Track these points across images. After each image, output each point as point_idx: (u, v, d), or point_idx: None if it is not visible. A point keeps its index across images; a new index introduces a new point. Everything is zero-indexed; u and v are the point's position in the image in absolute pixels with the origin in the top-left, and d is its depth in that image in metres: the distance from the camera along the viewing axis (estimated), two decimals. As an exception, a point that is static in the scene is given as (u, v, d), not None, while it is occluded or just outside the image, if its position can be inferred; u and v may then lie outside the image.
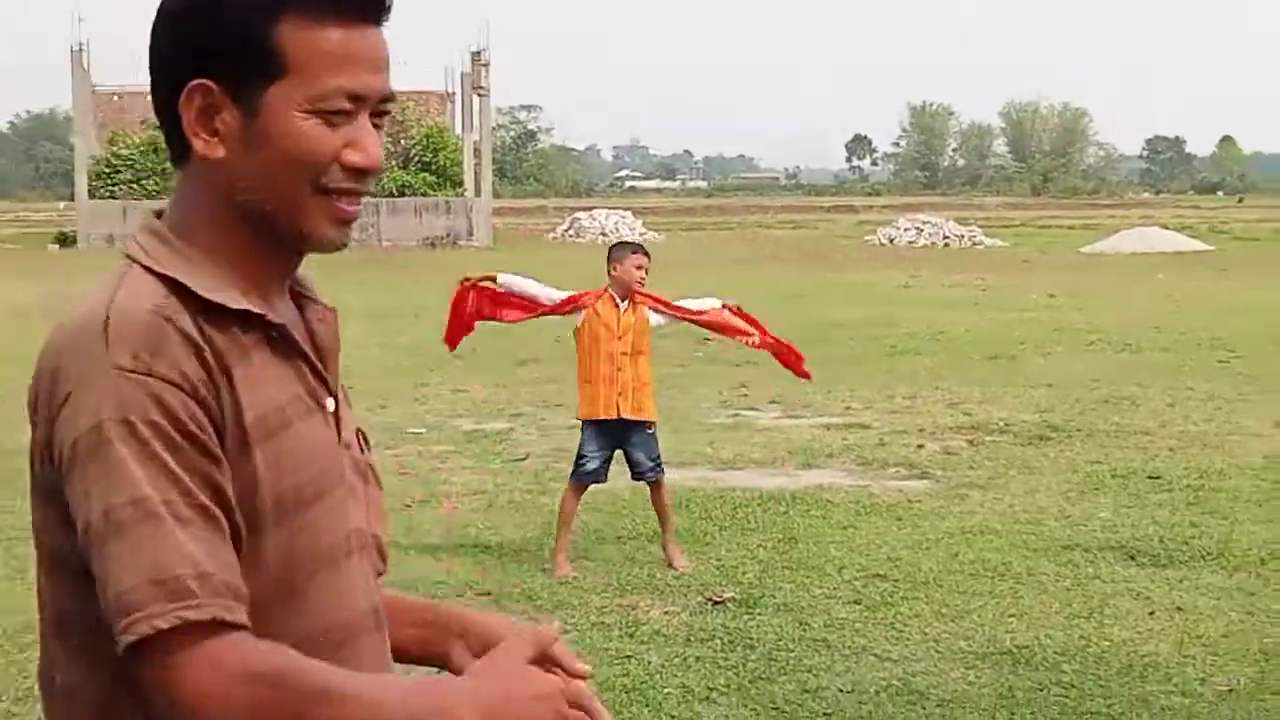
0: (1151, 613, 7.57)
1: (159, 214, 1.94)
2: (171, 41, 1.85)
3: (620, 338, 8.43)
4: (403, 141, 54.35)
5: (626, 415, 8.45)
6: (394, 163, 53.71)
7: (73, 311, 1.82)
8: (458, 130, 56.62)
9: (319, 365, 1.94)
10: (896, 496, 10.38)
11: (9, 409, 14.01)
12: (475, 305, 8.89)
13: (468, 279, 9.03)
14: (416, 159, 53.83)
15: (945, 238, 53.08)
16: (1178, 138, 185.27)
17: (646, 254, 8.63)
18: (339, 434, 1.96)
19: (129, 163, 51.53)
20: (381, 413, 14.15)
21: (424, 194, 52.82)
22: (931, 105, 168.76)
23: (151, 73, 1.88)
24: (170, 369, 1.73)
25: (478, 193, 54.06)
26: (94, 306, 1.78)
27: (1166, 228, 53.43)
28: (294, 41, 1.81)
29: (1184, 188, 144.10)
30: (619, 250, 8.65)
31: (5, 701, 6.32)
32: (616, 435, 8.53)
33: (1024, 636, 7.17)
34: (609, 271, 8.54)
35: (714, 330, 9.20)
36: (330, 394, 1.95)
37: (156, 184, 51.13)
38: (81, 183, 51.21)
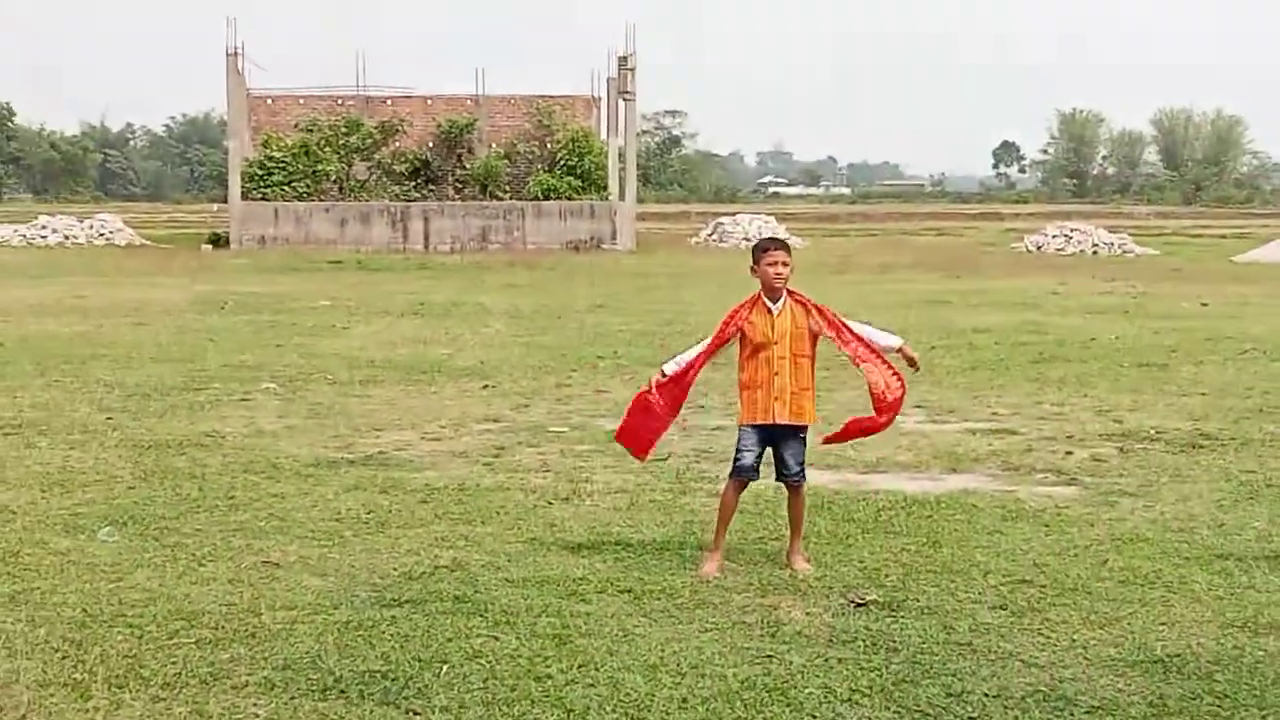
0: (1309, 624, 7.37)
1: None
2: None
3: (777, 343, 8.34)
4: (549, 145, 54.81)
5: (780, 420, 8.39)
6: (539, 166, 54.26)
7: None
8: (603, 134, 56.87)
9: None
10: (1044, 502, 10.20)
11: (157, 405, 14.33)
12: (662, 402, 8.67)
13: (647, 388, 8.73)
14: (562, 163, 54.16)
15: (1094, 245, 52.39)
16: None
17: (784, 247, 8.44)
18: None
19: (281, 165, 52.43)
20: (525, 411, 14.27)
21: (569, 198, 53.13)
22: (1081, 113, 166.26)
23: None
24: None
25: (622, 197, 54.22)
26: None
27: (1323, 236, 52.21)
28: None
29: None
30: (757, 249, 8.48)
31: (154, 687, 6.40)
32: (772, 436, 8.48)
33: (1175, 645, 7.00)
34: (750, 270, 8.47)
35: (871, 383, 8.63)
36: None
37: (307, 186, 52.07)
38: (235, 184, 52.13)
